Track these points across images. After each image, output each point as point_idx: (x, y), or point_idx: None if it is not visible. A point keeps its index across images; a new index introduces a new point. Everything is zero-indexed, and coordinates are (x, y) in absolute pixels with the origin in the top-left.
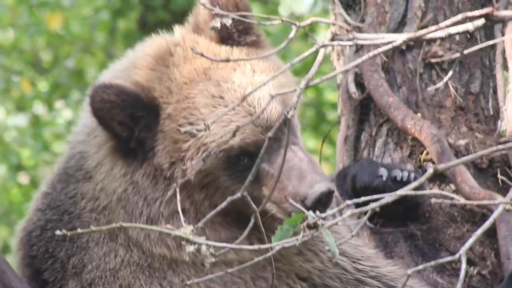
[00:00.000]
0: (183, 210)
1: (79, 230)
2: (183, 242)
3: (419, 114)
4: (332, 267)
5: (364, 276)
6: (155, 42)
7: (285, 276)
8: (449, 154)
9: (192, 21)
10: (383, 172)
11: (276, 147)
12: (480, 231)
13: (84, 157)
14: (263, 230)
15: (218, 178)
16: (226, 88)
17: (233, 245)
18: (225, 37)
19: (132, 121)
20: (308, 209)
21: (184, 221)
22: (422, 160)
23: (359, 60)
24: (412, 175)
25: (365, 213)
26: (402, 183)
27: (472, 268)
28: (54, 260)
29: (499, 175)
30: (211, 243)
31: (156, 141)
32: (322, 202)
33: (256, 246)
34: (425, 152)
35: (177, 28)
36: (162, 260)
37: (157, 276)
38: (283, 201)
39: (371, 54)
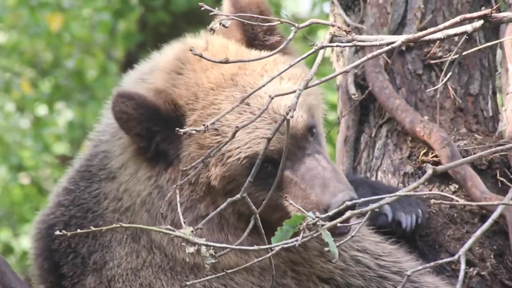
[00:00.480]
0: (198, 218)
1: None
2: (183, 243)
3: (425, 117)
4: (355, 265)
5: (386, 272)
6: (183, 46)
7: (305, 279)
8: (459, 158)
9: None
10: (388, 212)
11: (300, 155)
12: (479, 232)
13: (108, 157)
14: (263, 231)
15: (241, 185)
16: (253, 95)
17: (233, 246)
18: (251, 37)
19: (148, 134)
20: (331, 218)
21: (208, 228)
22: (420, 161)
23: (358, 62)
24: (419, 220)
25: (365, 213)
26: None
27: (471, 269)
28: (75, 255)
29: (498, 176)
30: (210, 244)
31: (181, 148)
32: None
33: (256, 247)
34: (423, 152)
35: (206, 33)
36: (184, 264)
37: (178, 279)
38: (306, 210)
39: (370, 55)
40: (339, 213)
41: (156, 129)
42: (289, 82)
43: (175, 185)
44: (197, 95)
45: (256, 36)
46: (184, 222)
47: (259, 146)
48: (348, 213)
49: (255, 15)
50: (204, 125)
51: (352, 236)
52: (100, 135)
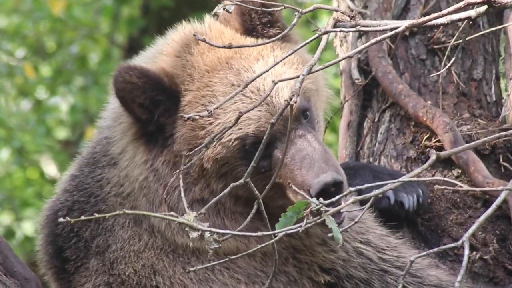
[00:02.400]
0: (202, 200)
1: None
2: (186, 228)
3: (429, 102)
4: (357, 257)
5: (389, 266)
6: (183, 30)
7: (307, 268)
8: (462, 143)
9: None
10: (390, 194)
11: (291, 136)
12: (483, 217)
13: (110, 142)
14: (266, 216)
15: (235, 168)
16: (246, 77)
17: (236, 232)
18: (249, 29)
19: (152, 104)
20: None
21: (205, 211)
22: (423, 145)
23: (362, 47)
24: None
25: (368, 200)
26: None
27: (474, 254)
28: (78, 239)
29: (501, 161)
30: (213, 230)
31: (176, 127)
32: (328, 192)
33: (259, 233)
34: (426, 137)
35: (207, 18)
36: (185, 248)
37: (180, 260)
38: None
39: (373, 41)
40: (328, 195)
41: (159, 98)
42: (284, 67)
43: (177, 170)
44: (193, 77)
45: (254, 28)
46: (188, 207)
47: (249, 128)
48: (351, 199)
49: (258, 1)
50: (208, 110)
51: (355, 222)
52: (103, 122)
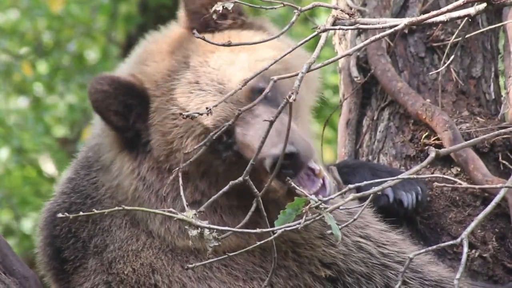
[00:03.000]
0: (195, 202)
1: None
2: (186, 226)
3: (428, 100)
4: (357, 251)
5: (389, 261)
6: (151, 38)
7: (307, 262)
8: (461, 141)
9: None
10: (389, 192)
11: (248, 118)
12: (482, 215)
13: (101, 149)
14: (265, 214)
15: (211, 164)
16: (202, 72)
17: (235, 229)
18: (203, 25)
19: (125, 109)
20: (270, 171)
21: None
22: (422, 144)
23: (361, 45)
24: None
25: (367, 197)
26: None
27: (473, 252)
28: (76, 240)
29: (500, 159)
30: (213, 227)
31: (150, 134)
32: (284, 165)
33: (258, 230)
34: (425, 135)
35: (172, 24)
36: (184, 248)
37: (179, 259)
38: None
39: (372, 38)
40: (285, 167)
41: (131, 102)
42: (240, 54)
43: (163, 175)
44: (157, 83)
45: (208, 23)
46: (187, 205)
47: (207, 120)
48: (350, 197)
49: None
50: (207, 108)
51: (355, 219)
52: (94, 129)
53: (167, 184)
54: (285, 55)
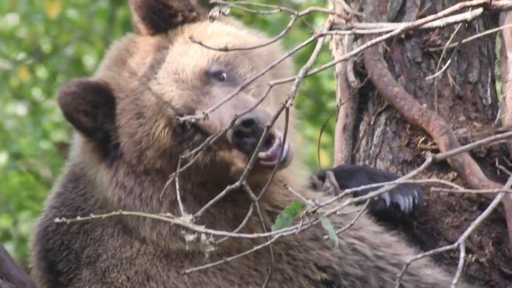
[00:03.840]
0: (173, 201)
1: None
2: (182, 231)
3: (424, 105)
4: (352, 254)
5: (384, 264)
6: (113, 48)
7: (302, 265)
8: (457, 146)
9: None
10: (386, 196)
11: (207, 100)
12: (478, 220)
13: (85, 166)
14: (262, 218)
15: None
16: (159, 68)
17: (232, 234)
18: (156, 27)
19: (94, 109)
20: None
21: (188, 208)
22: (419, 148)
23: (357, 50)
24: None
25: (364, 201)
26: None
27: (470, 256)
28: (69, 252)
29: (497, 164)
30: (210, 231)
31: (118, 136)
32: (243, 133)
33: (255, 235)
34: (421, 140)
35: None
36: (178, 252)
37: (174, 265)
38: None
39: (369, 43)
40: (245, 135)
41: (99, 100)
42: (195, 44)
43: (139, 178)
44: (121, 86)
45: (158, 25)
46: (184, 211)
47: (168, 110)
48: (347, 201)
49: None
50: (203, 113)
51: (351, 225)
52: (76, 144)
53: (150, 187)
54: (279, 62)
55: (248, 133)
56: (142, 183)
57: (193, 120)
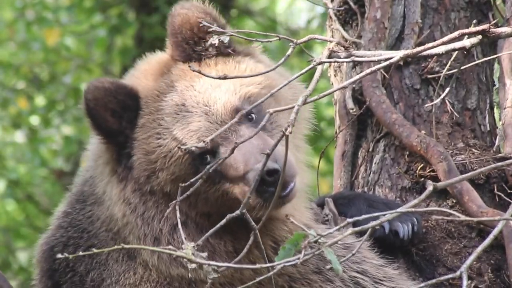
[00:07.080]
0: (174, 226)
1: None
2: (184, 261)
3: (423, 132)
4: (354, 287)
5: None
6: (145, 59)
7: None
8: (456, 172)
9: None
10: (385, 223)
11: (233, 138)
12: (480, 248)
13: (95, 183)
14: (263, 247)
15: (192, 184)
16: (188, 96)
17: (232, 265)
18: (188, 57)
19: (122, 111)
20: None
21: (188, 234)
22: (418, 175)
23: (356, 77)
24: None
25: (366, 231)
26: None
27: (469, 283)
28: (74, 274)
29: (495, 191)
30: (212, 263)
31: (133, 149)
32: (266, 182)
33: (257, 266)
34: (420, 167)
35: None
36: (181, 280)
37: None
38: (237, 181)
39: (368, 71)
40: (267, 184)
41: (129, 103)
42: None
43: (143, 196)
44: (147, 102)
45: (190, 55)
46: (185, 238)
47: (192, 140)
48: (349, 231)
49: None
50: (204, 141)
51: (353, 254)
52: (88, 161)
53: (153, 208)
54: (280, 88)
55: (270, 182)
56: (146, 202)
57: (193, 149)
